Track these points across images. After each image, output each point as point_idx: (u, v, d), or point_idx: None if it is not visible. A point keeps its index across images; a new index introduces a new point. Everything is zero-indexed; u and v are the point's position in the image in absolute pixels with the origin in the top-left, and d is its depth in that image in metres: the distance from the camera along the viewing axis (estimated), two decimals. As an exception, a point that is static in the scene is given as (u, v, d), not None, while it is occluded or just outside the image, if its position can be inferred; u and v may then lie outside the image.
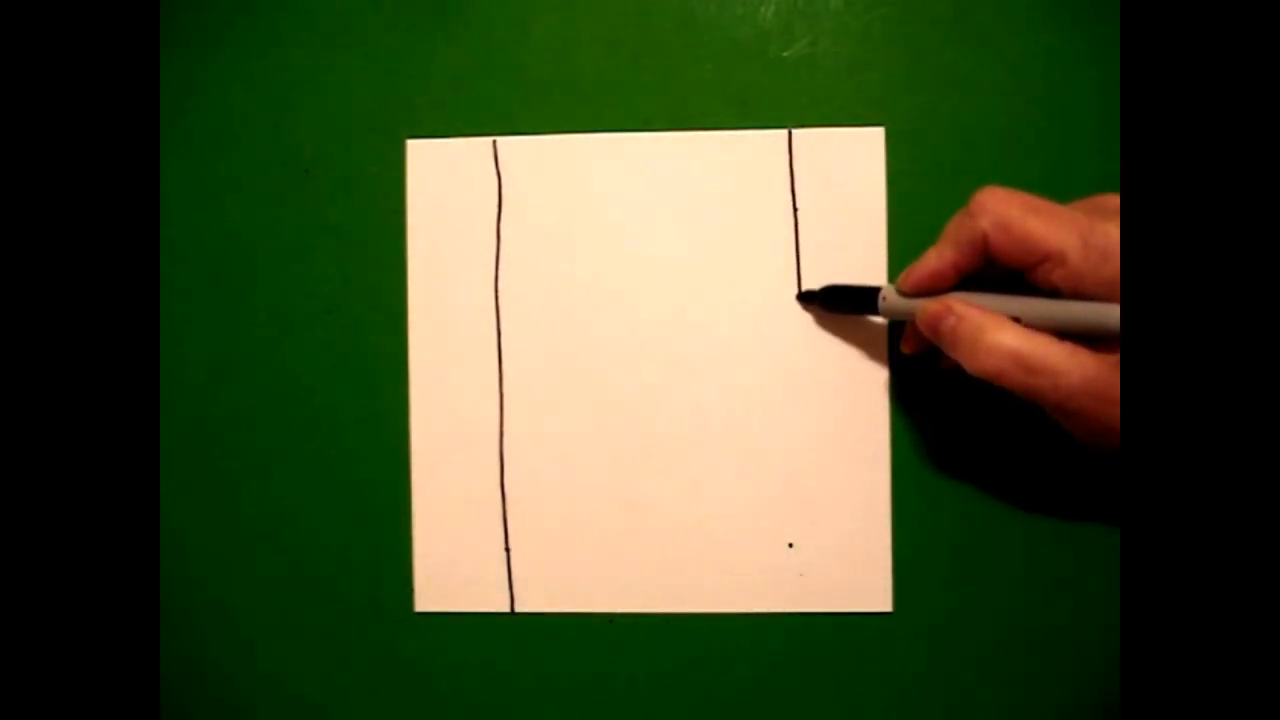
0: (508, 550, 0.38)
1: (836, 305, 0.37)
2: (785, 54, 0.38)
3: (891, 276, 0.37)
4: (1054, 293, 0.30)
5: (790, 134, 0.38)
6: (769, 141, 0.38)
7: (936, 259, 0.32)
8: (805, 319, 0.38)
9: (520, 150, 0.38)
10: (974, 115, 0.37)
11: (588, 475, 0.38)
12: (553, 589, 0.38)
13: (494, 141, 0.39)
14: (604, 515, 0.38)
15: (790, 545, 0.38)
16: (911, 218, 0.37)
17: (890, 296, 0.34)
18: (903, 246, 0.37)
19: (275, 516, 0.39)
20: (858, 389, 0.38)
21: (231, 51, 0.39)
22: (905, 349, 0.36)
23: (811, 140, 0.38)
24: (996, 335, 0.30)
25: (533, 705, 0.38)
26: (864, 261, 0.38)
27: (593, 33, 0.38)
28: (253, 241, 0.39)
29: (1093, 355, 0.29)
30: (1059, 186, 0.37)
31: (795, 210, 0.38)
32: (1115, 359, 0.29)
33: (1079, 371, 0.29)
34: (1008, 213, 0.30)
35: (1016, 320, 0.31)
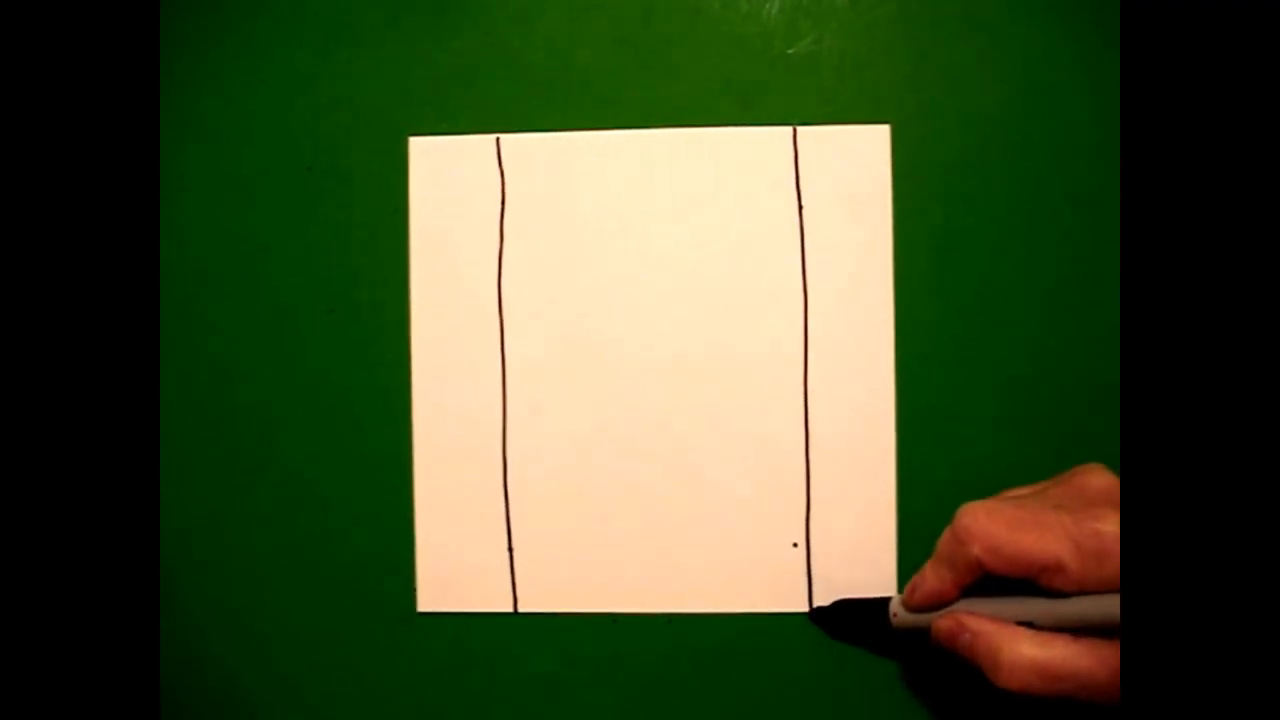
0: (511, 550, 0.38)
1: (848, 622, 0.36)
2: (790, 51, 0.38)
3: (898, 274, 0.37)
4: (1061, 593, 0.30)
5: (795, 131, 0.38)
6: (774, 139, 0.38)
7: (936, 580, 0.32)
8: (811, 317, 0.38)
9: (523, 148, 0.38)
10: (979, 113, 0.37)
11: (591, 475, 0.38)
12: (556, 589, 0.38)
13: (497, 139, 0.38)
14: (607, 515, 0.38)
15: (794, 545, 0.38)
16: (917, 215, 0.37)
17: (900, 613, 0.34)
18: (908, 244, 0.37)
19: (277, 516, 0.39)
20: (863, 388, 0.37)
21: (232, 49, 0.39)
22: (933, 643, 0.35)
23: (816, 138, 0.38)
24: (1014, 650, 0.30)
25: (536, 705, 0.38)
26: (869, 259, 0.37)
27: (596, 29, 0.38)
28: (254, 240, 0.39)
29: (1113, 646, 0.29)
30: (1061, 185, 0.37)
31: (800, 208, 0.38)
32: None
33: (1103, 669, 0.29)
34: (996, 535, 0.30)
35: (1030, 624, 0.31)
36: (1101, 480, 0.32)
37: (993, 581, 0.32)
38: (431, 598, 0.38)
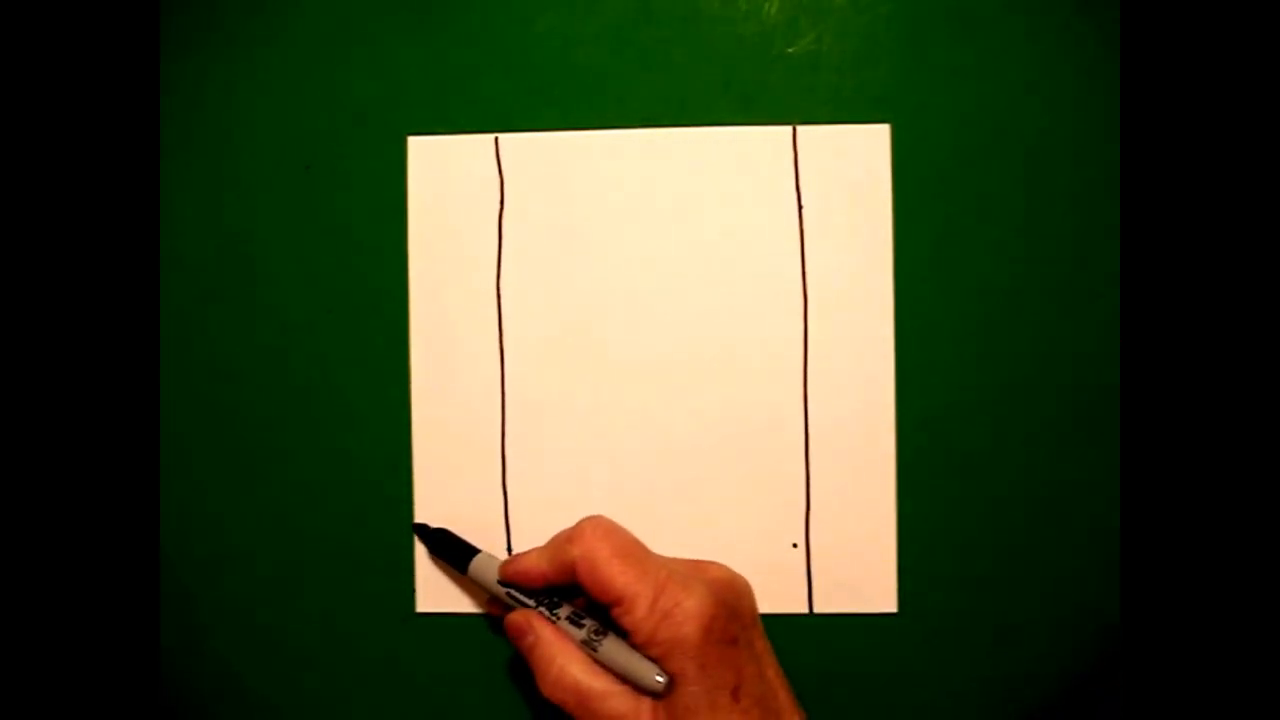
0: (510, 551, 0.38)
1: (442, 549, 0.38)
2: (790, 50, 0.38)
3: (898, 273, 0.37)
4: (624, 633, 0.32)
5: (795, 130, 0.38)
6: (774, 138, 0.38)
7: (534, 563, 0.34)
8: (811, 317, 0.38)
9: (522, 147, 0.38)
10: (978, 113, 0.37)
11: (590, 474, 0.38)
12: (555, 589, 0.38)
13: (496, 138, 0.38)
14: (607, 515, 0.38)
15: (794, 546, 0.38)
16: (916, 215, 0.37)
17: (482, 568, 0.36)
18: (908, 244, 0.37)
19: (275, 516, 0.39)
20: (863, 388, 0.37)
21: (232, 49, 0.39)
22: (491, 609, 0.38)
23: (816, 137, 0.37)
24: (565, 667, 0.32)
25: (535, 706, 0.38)
26: (868, 258, 0.37)
27: (595, 28, 0.38)
28: (253, 239, 0.39)
29: (652, 705, 0.31)
30: (1061, 185, 0.37)
31: (800, 207, 0.38)
32: (672, 711, 0.30)
33: (633, 718, 0.31)
34: (599, 551, 0.32)
35: (594, 650, 0.32)
36: (719, 571, 0.34)
37: (593, 605, 0.33)
38: (430, 598, 0.38)
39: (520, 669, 0.38)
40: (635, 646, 0.31)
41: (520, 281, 0.38)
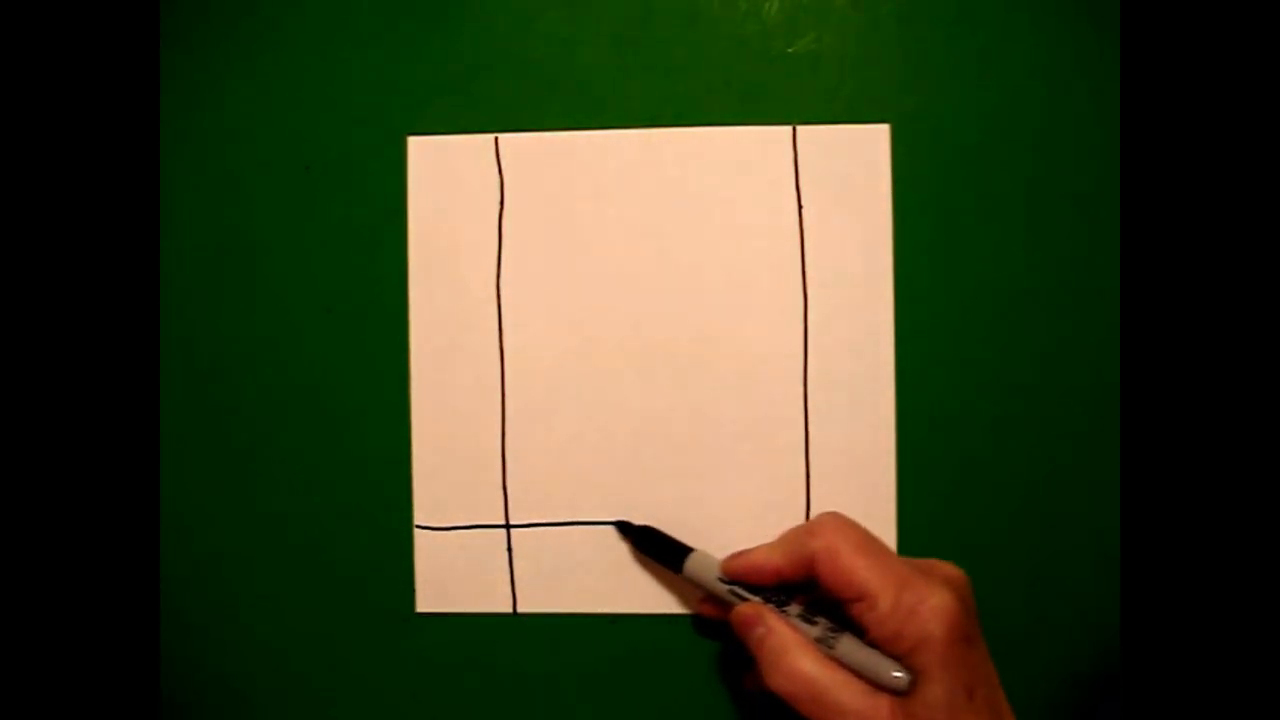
0: (510, 550, 0.38)
1: (649, 547, 0.37)
2: (790, 50, 0.38)
3: (898, 274, 0.37)
4: (863, 632, 0.31)
5: (795, 130, 0.38)
6: (773, 138, 0.38)
7: (765, 557, 0.34)
8: (811, 316, 0.38)
9: (522, 147, 0.38)
10: (978, 113, 0.37)
11: (590, 475, 0.38)
12: (555, 590, 0.38)
13: (495, 139, 0.38)
14: (607, 516, 0.38)
15: (794, 545, 0.38)
16: (916, 215, 0.37)
17: (700, 566, 0.35)
18: (908, 244, 0.37)
19: (276, 517, 0.39)
20: (863, 388, 0.37)
21: (232, 49, 0.39)
22: (703, 609, 0.37)
23: (816, 137, 0.37)
24: (798, 660, 0.31)
25: (534, 706, 0.38)
26: (868, 259, 0.37)
27: (596, 28, 0.38)
28: (253, 239, 0.39)
29: (891, 701, 0.30)
30: (1061, 185, 0.37)
31: (800, 207, 0.38)
32: (912, 709, 0.29)
33: (870, 714, 0.30)
34: (839, 544, 0.32)
35: (830, 647, 0.31)
36: (952, 570, 0.33)
37: (816, 603, 0.33)
38: (430, 598, 0.38)
39: (521, 669, 0.38)
40: (872, 643, 0.31)
41: (520, 281, 0.38)
